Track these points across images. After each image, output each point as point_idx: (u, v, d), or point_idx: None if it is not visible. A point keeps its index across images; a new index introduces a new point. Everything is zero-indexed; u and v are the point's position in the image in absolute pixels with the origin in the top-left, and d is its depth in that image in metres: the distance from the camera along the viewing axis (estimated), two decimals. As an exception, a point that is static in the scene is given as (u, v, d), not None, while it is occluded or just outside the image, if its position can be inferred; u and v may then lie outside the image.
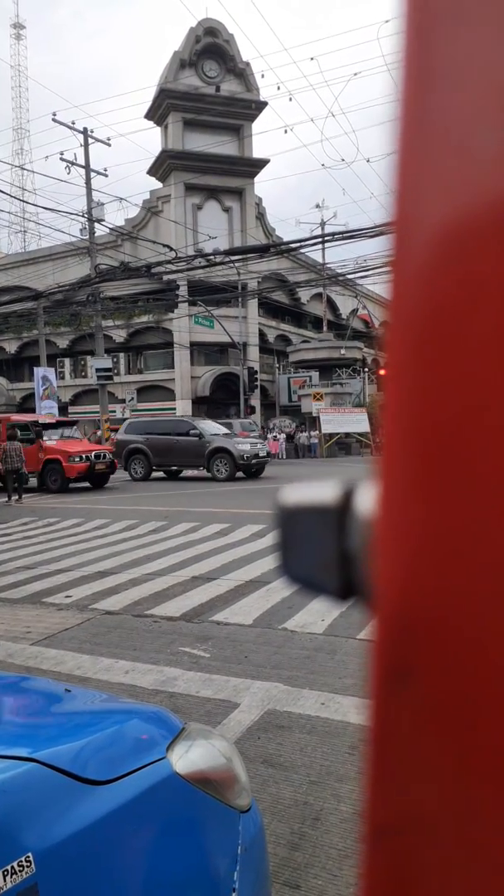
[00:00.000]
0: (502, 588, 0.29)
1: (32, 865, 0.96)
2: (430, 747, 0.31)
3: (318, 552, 0.46)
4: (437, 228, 0.32)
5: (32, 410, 25.86)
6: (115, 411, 26.34)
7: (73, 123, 22.65)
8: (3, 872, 0.93)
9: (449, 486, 0.30)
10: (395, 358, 0.33)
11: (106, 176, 24.04)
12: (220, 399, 31.06)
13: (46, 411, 23.89)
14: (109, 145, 24.18)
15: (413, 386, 0.32)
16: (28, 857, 0.96)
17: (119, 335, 31.10)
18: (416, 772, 0.32)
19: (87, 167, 23.08)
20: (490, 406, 0.29)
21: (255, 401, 30.44)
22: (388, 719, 0.33)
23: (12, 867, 0.94)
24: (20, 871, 0.94)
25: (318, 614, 5.03)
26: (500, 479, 0.29)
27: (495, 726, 0.29)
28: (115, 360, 29.04)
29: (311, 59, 31.32)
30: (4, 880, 0.92)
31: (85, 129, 23.02)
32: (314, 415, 29.06)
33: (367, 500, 0.44)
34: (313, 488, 0.49)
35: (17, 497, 13.73)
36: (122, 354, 31.76)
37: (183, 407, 30.17)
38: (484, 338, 0.29)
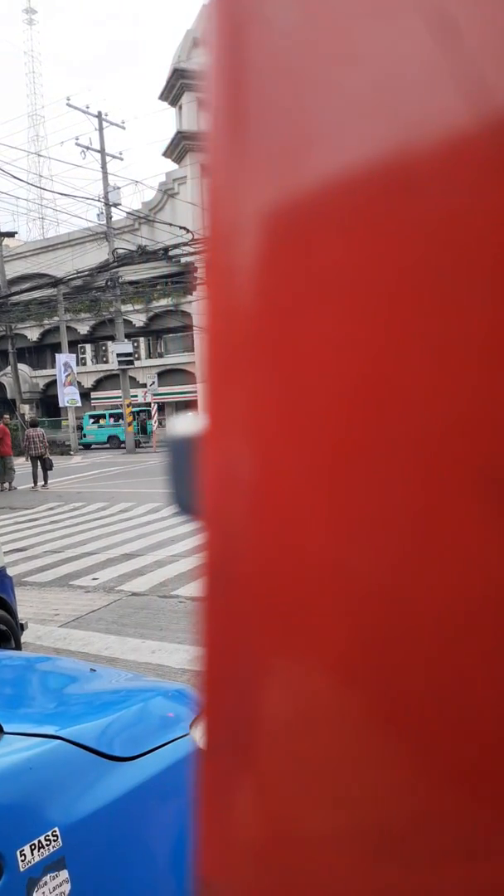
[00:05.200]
0: (295, 507, 0.32)
1: (59, 839, 0.98)
2: (250, 646, 0.33)
3: (190, 478, 0.49)
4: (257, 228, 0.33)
5: (55, 397, 26.02)
6: (136, 395, 26.42)
7: (88, 108, 22.56)
8: (31, 846, 0.95)
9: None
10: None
11: (122, 160, 23.96)
12: (242, 381, 30.91)
13: (69, 398, 24.05)
14: (124, 128, 24.06)
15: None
16: (55, 831, 0.98)
17: (139, 319, 31.14)
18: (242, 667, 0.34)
19: (102, 151, 22.99)
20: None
21: (277, 382, 30.26)
22: (217, 620, 0.35)
23: (39, 841, 0.96)
24: (47, 844, 0.96)
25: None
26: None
27: (307, 617, 0.31)
28: (135, 344, 29.11)
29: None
30: (32, 854, 0.94)
31: (99, 112, 22.90)
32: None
33: None
34: (192, 419, 0.51)
35: (42, 483, 13.89)
36: (142, 339, 31.80)
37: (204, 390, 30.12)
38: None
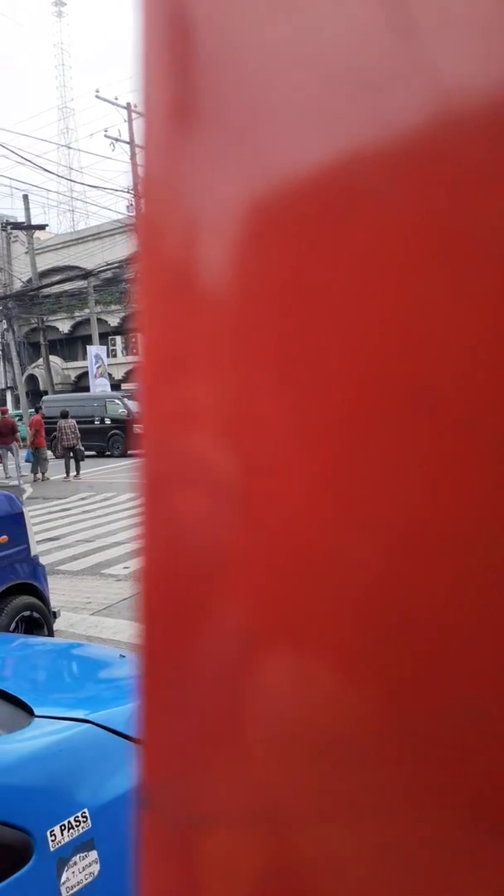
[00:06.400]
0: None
1: (88, 821, 0.99)
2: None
3: None
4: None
5: (87, 389, 26.29)
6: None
7: (117, 99, 22.62)
8: (61, 827, 0.96)
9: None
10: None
11: (150, 150, 23.92)
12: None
13: (100, 389, 24.30)
14: (153, 119, 24.02)
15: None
16: (84, 812, 0.99)
17: (168, 311, 31.16)
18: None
19: (131, 143, 23.04)
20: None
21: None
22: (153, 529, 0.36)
23: (69, 822, 0.97)
24: (77, 825, 0.98)
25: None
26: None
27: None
28: (165, 335, 29.16)
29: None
30: (62, 834, 0.96)
31: (128, 104, 22.93)
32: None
33: None
34: None
35: (74, 473, 14.06)
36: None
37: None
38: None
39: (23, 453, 14.73)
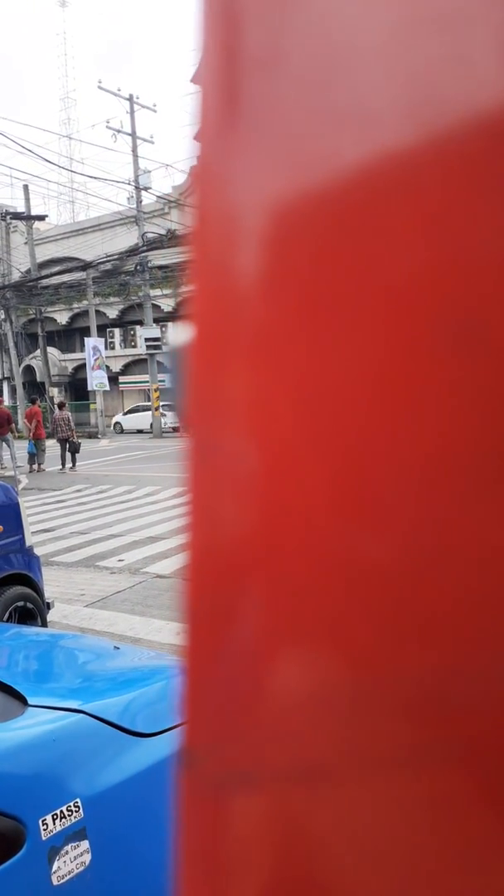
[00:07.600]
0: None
1: (80, 810, 0.99)
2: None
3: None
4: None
5: (84, 381, 26.26)
6: (164, 380, 26.52)
7: (119, 90, 22.52)
8: (53, 816, 0.96)
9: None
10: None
11: (152, 143, 23.89)
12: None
13: (97, 381, 24.29)
14: (156, 111, 23.95)
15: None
16: (76, 802, 0.99)
17: (168, 304, 31.17)
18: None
19: (133, 134, 22.96)
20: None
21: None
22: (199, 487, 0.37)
23: (61, 811, 0.97)
24: (69, 815, 0.98)
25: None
26: None
27: None
28: (164, 329, 29.19)
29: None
30: (54, 823, 0.96)
31: (131, 95, 22.84)
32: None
33: None
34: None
35: (70, 465, 14.06)
36: (170, 323, 31.82)
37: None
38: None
39: (24, 445, 14.73)
